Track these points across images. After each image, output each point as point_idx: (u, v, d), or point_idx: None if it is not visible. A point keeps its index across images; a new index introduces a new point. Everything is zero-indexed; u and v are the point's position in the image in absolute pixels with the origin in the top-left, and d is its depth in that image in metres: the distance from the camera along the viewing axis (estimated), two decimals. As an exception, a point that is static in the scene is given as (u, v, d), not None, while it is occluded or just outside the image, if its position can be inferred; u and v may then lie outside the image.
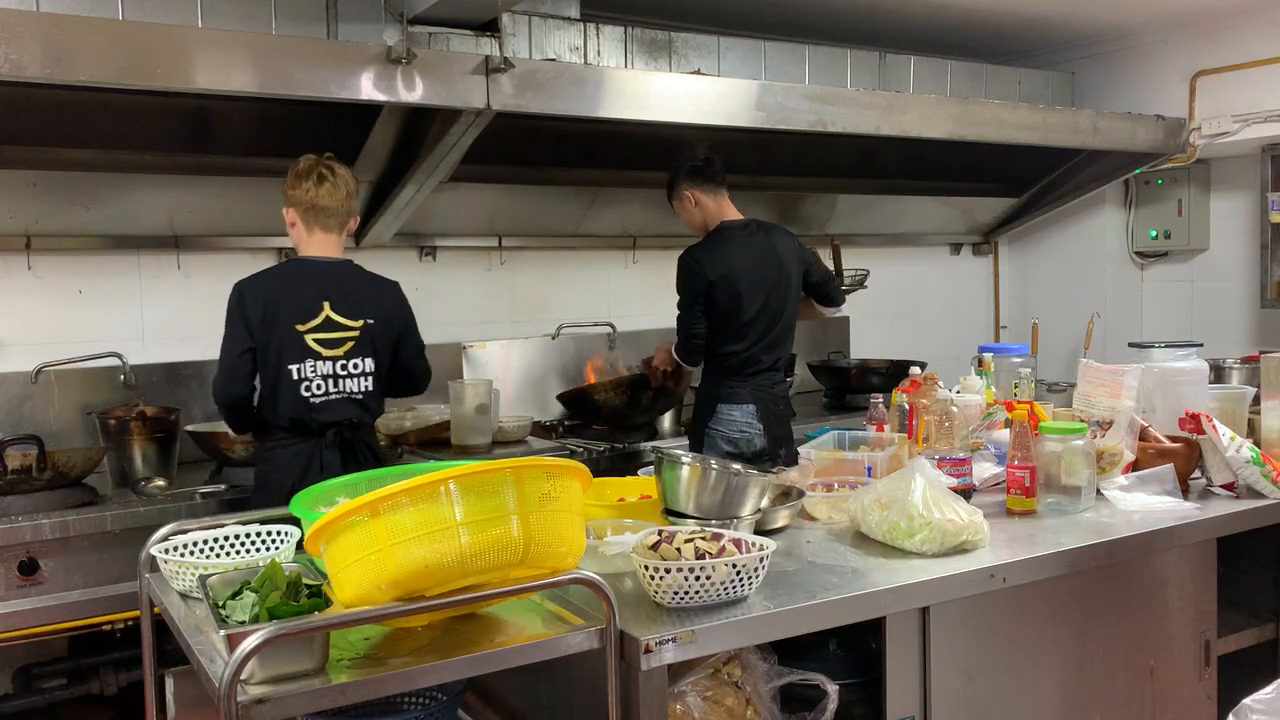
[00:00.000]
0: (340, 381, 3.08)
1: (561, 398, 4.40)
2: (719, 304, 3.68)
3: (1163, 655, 2.65)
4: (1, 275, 3.68)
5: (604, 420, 4.26)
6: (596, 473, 2.74)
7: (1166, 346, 3.26)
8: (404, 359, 3.23)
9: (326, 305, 3.05)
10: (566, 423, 4.41)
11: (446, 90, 3.31)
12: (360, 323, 3.09)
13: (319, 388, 3.05)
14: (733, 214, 3.81)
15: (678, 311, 3.79)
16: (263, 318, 3.01)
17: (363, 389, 3.11)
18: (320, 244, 3.13)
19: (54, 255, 3.75)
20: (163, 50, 2.93)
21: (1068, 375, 5.04)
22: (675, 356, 3.87)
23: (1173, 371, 3.19)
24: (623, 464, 3.84)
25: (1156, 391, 3.13)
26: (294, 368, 3.02)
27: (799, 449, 3.02)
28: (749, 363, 3.72)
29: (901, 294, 5.90)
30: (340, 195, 3.11)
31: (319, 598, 1.87)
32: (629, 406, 4.19)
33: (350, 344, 3.08)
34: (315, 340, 3.04)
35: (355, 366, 3.09)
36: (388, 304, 3.18)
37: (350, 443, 3.12)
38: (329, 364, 3.05)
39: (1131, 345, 3.41)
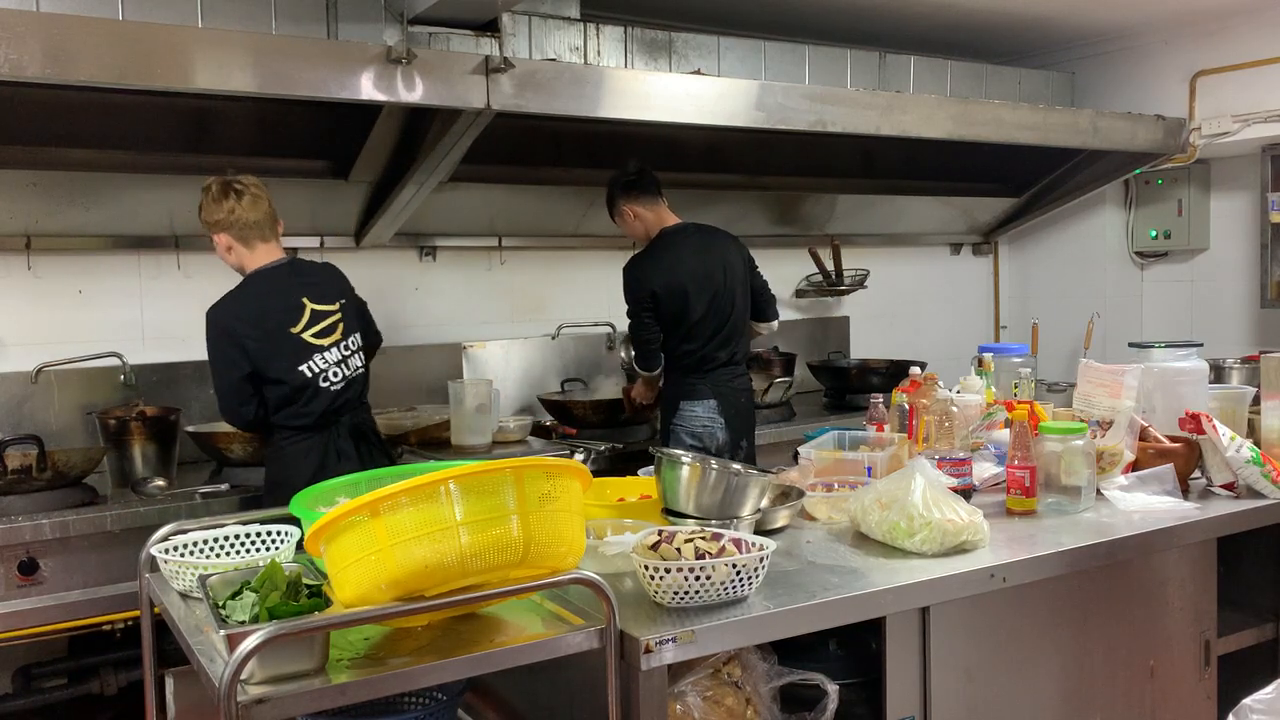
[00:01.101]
0: (347, 363, 3.21)
1: (544, 400, 4.46)
2: (667, 309, 3.80)
3: (1163, 655, 2.65)
4: (1, 275, 3.68)
5: (582, 427, 4.33)
6: (596, 473, 2.75)
7: (1166, 346, 3.26)
8: (367, 322, 3.42)
9: (305, 300, 3.16)
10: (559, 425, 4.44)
11: (446, 90, 3.31)
12: (337, 304, 3.23)
13: (335, 374, 3.17)
14: (671, 220, 3.92)
15: (628, 321, 3.88)
16: (257, 337, 3.06)
17: (362, 363, 3.28)
18: (265, 253, 3.19)
19: (54, 255, 3.75)
20: (163, 50, 2.93)
21: (1068, 375, 5.04)
22: (635, 366, 3.94)
23: (1173, 371, 3.19)
24: (623, 464, 3.84)
25: (1156, 391, 3.13)
26: (304, 368, 3.11)
27: (799, 449, 3.02)
28: (705, 360, 3.84)
29: (901, 294, 5.90)
30: (263, 205, 3.16)
31: (319, 598, 1.86)
32: (603, 424, 4.30)
33: (339, 326, 3.21)
34: (312, 336, 3.13)
35: (351, 345, 3.24)
36: (342, 281, 3.33)
37: (361, 430, 3.27)
38: (334, 350, 3.17)
39: (1131, 345, 3.41)
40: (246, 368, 3.06)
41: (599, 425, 4.28)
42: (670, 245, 3.85)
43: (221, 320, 3.08)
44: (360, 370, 3.27)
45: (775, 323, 4.22)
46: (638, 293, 3.82)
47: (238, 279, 3.20)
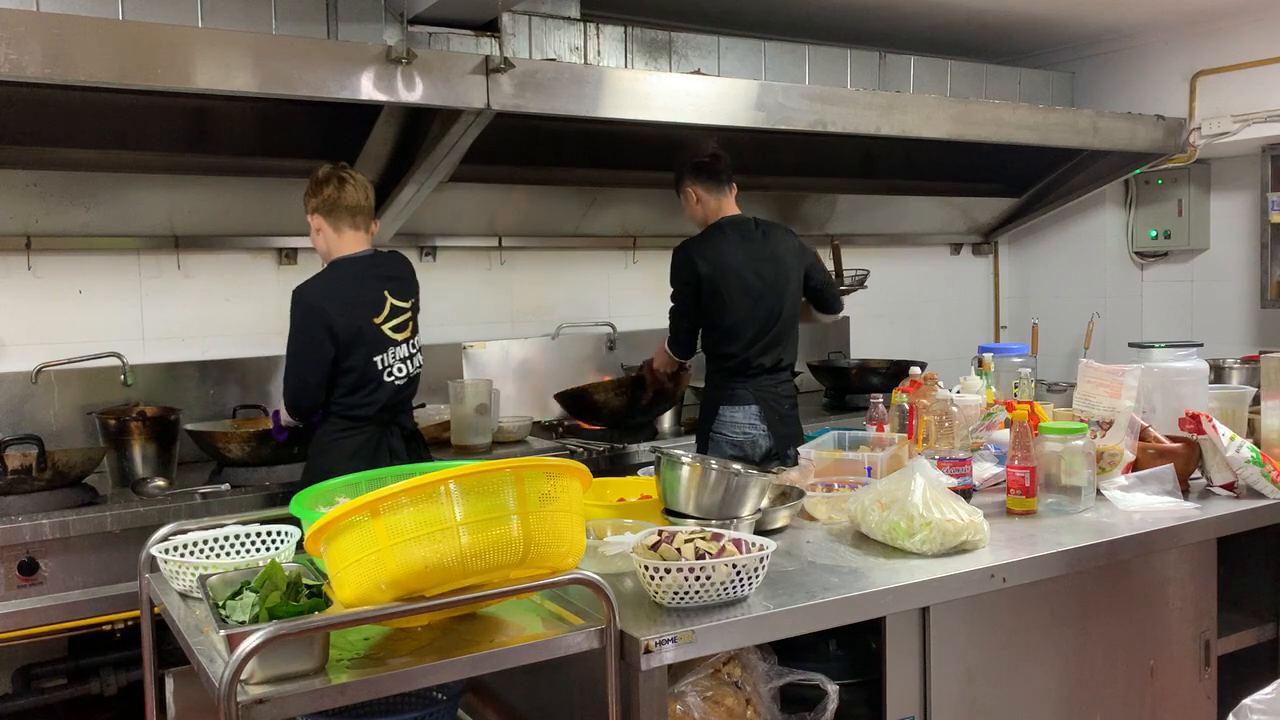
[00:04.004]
0: (411, 360, 3.27)
1: (559, 397, 4.38)
2: (706, 300, 3.66)
3: (1163, 655, 2.65)
4: (1, 275, 3.68)
5: (602, 420, 4.25)
6: (596, 473, 2.75)
7: (1166, 346, 3.26)
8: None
9: (387, 294, 3.21)
10: (566, 423, 4.41)
11: (446, 90, 3.31)
12: (410, 302, 3.29)
13: (399, 370, 3.22)
14: (733, 212, 3.78)
15: (670, 304, 3.80)
16: (345, 319, 3.10)
17: (421, 363, 3.33)
18: (352, 241, 3.22)
19: (54, 255, 3.75)
20: (163, 50, 2.93)
21: (1068, 375, 5.04)
22: (667, 350, 3.87)
23: (1173, 371, 3.19)
24: (623, 464, 3.84)
25: (1156, 391, 3.13)
26: (378, 359, 3.16)
27: (799, 449, 3.02)
28: (747, 363, 3.69)
29: (901, 294, 5.90)
30: (361, 195, 3.21)
31: (319, 598, 1.87)
32: (628, 407, 4.19)
33: (410, 324, 3.27)
34: (390, 329, 3.20)
35: (415, 344, 3.30)
36: (414, 278, 3.36)
37: (414, 431, 3.35)
38: (403, 347, 3.23)
39: (1131, 345, 3.41)
40: (332, 351, 3.09)
41: (623, 409, 4.17)
42: (724, 237, 3.70)
43: (314, 301, 3.10)
44: (419, 370, 3.31)
45: (833, 316, 4.11)
46: (684, 275, 3.68)
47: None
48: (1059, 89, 5.70)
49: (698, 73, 4.19)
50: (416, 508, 1.74)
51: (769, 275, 3.71)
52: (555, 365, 4.72)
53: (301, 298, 3.11)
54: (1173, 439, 2.94)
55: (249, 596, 1.86)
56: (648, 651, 1.89)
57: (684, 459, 2.44)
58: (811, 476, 2.83)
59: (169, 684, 2.60)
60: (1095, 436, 2.87)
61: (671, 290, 3.77)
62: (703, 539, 2.08)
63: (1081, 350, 5.75)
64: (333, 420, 3.18)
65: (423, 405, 3.46)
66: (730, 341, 3.67)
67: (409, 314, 3.27)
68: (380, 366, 3.17)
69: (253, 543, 2.29)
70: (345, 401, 3.15)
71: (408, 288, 3.29)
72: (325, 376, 3.12)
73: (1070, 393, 3.51)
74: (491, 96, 3.37)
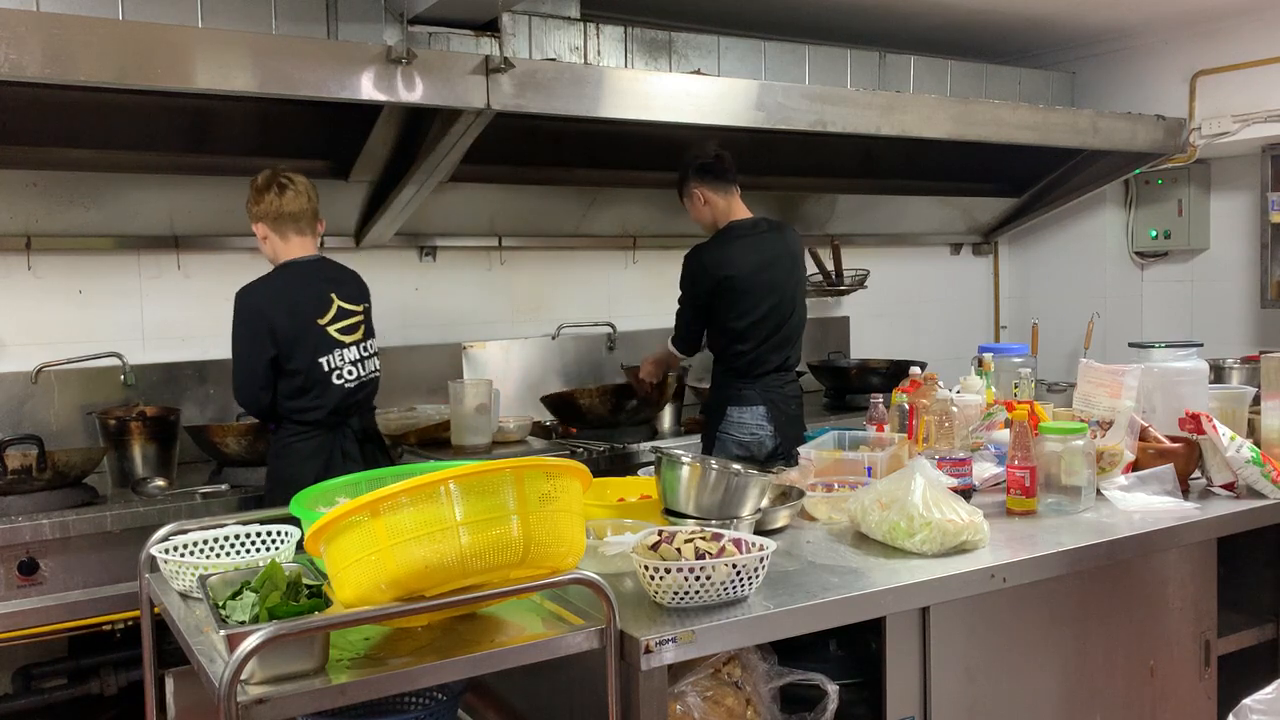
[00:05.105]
0: (364, 363, 3.26)
1: (546, 400, 4.39)
2: (723, 304, 3.65)
3: (1163, 655, 2.65)
4: (1, 275, 3.68)
5: (587, 424, 4.26)
6: (596, 473, 2.75)
7: (1166, 346, 3.26)
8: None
9: (334, 296, 3.20)
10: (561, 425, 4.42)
11: (446, 90, 3.32)
12: (361, 306, 3.28)
13: (350, 373, 3.20)
14: (742, 213, 3.78)
15: (678, 305, 3.80)
16: (286, 320, 3.10)
17: (377, 367, 3.32)
18: (298, 247, 3.22)
19: (54, 255, 3.75)
20: (163, 50, 2.93)
21: (1068, 375, 5.04)
22: (670, 347, 3.87)
23: (1173, 371, 3.19)
24: (623, 464, 3.84)
25: (1156, 391, 3.13)
26: (324, 360, 3.15)
27: (799, 449, 3.02)
28: (756, 363, 3.68)
29: (901, 294, 5.90)
30: (303, 200, 3.19)
31: (319, 598, 1.87)
32: (612, 413, 4.22)
33: (361, 327, 3.26)
34: (336, 330, 3.18)
35: (369, 347, 3.29)
36: (365, 288, 3.36)
37: (367, 432, 3.31)
38: (353, 349, 3.22)
39: (1131, 345, 3.41)
40: (272, 351, 3.09)
41: (607, 415, 4.19)
42: (737, 239, 3.69)
43: (254, 302, 3.11)
44: (374, 374, 3.30)
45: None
46: (698, 283, 3.67)
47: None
48: (1059, 89, 5.70)
49: (698, 73, 4.19)
50: (416, 508, 1.74)
51: (782, 275, 3.72)
52: (555, 365, 4.72)
53: (244, 298, 3.13)
54: (1173, 439, 2.94)
55: (249, 596, 1.86)
56: (648, 651, 1.89)
57: (684, 459, 2.44)
58: (811, 476, 2.83)
59: (169, 684, 2.60)
60: (1095, 436, 2.87)
61: (681, 294, 3.77)
62: (703, 539, 2.08)
63: (1081, 350, 5.75)
64: (286, 425, 3.19)
65: (374, 408, 3.41)
66: (743, 340, 3.67)
67: (360, 317, 3.25)
68: (327, 368, 3.15)
69: (253, 543, 2.29)
70: (294, 404, 3.15)
71: (358, 293, 3.29)
72: (269, 377, 3.11)
73: (1070, 393, 3.51)
74: (491, 96, 3.37)
